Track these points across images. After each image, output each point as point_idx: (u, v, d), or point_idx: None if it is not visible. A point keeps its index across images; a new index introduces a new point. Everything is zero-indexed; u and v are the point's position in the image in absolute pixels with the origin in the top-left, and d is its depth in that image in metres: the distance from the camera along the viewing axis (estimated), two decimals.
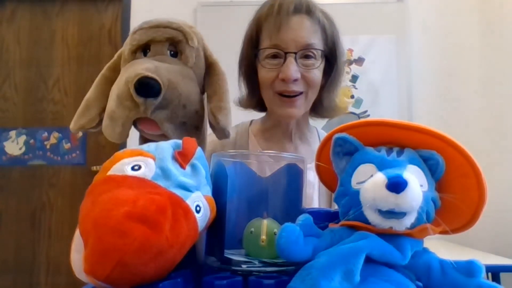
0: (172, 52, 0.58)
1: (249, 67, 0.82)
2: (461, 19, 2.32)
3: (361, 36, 2.30)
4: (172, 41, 0.58)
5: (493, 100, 2.20)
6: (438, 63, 2.30)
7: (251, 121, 0.92)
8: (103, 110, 0.60)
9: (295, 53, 0.74)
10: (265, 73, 0.77)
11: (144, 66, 0.52)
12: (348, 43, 2.29)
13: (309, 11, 0.76)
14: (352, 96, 2.29)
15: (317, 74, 0.77)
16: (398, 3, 2.32)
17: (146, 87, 0.50)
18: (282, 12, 0.75)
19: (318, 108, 0.85)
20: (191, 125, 0.58)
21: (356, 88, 2.29)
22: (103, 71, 0.63)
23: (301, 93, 0.76)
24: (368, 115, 2.29)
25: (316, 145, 0.87)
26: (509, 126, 2.10)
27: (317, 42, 0.76)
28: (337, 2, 2.27)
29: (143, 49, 0.58)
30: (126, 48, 0.58)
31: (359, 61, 2.30)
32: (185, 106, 0.55)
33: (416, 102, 2.25)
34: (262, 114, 0.90)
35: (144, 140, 0.64)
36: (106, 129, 0.56)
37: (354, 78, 2.29)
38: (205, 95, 0.64)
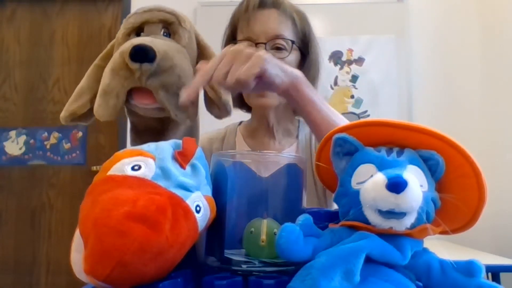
0: (165, 34, 0.60)
1: None
2: (461, 19, 2.32)
3: (361, 36, 2.30)
4: (165, 23, 0.60)
5: (493, 100, 2.20)
6: (438, 63, 2.30)
7: (241, 122, 0.95)
8: (95, 96, 0.60)
9: (265, 43, 0.76)
10: None
11: (139, 39, 0.54)
12: (348, 43, 2.29)
13: (276, 4, 0.79)
14: (352, 96, 2.29)
15: None
16: (398, 3, 2.32)
17: (141, 53, 0.51)
18: (250, 7, 0.78)
19: None
20: None
21: (356, 88, 2.29)
22: (95, 61, 0.64)
23: None
24: (368, 115, 2.29)
25: (295, 132, 0.90)
26: (509, 126, 2.10)
27: (287, 33, 0.79)
28: (337, 2, 2.27)
29: (137, 32, 0.60)
30: (120, 32, 0.60)
31: (359, 61, 2.30)
32: (180, 76, 0.56)
33: (416, 102, 2.25)
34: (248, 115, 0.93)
35: (135, 132, 0.64)
36: (99, 108, 0.56)
37: (354, 78, 2.29)
38: None
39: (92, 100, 0.60)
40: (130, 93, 0.55)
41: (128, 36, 0.59)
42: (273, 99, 0.79)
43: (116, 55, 0.54)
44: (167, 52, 0.54)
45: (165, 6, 0.60)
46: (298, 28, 0.81)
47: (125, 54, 0.51)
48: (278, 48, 0.78)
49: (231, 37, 0.84)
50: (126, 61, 0.51)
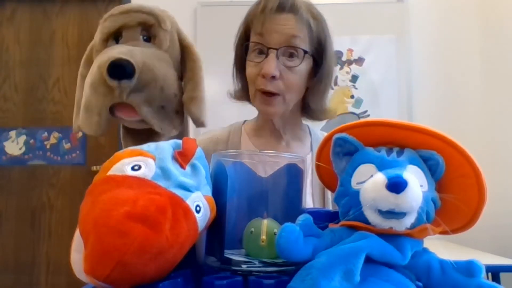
0: (145, 37, 0.56)
1: (240, 62, 0.84)
2: (461, 19, 2.32)
3: (361, 36, 2.29)
4: (144, 26, 0.56)
5: (493, 100, 2.20)
6: (438, 63, 2.30)
7: (245, 121, 0.93)
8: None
9: (277, 49, 0.74)
10: (249, 69, 0.78)
11: (117, 50, 0.51)
12: (348, 43, 2.29)
13: (294, 9, 0.76)
14: (352, 96, 2.29)
15: (296, 76, 0.76)
16: (398, 3, 2.32)
17: (119, 69, 0.48)
18: (267, 10, 0.76)
19: (307, 110, 0.85)
20: (171, 109, 0.55)
21: (356, 88, 2.29)
22: (80, 70, 0.61)
23: (278, 94, 0.75)
24: (368, 115, 2.29)
25: (307, 141, 0.88)
26: (509, 126, 2.10)
27: (301, 41, 0.76)
28: (337, 2, 2.27)
29: (115, 37, 0.56)
30: (96, 37, 0.56)
31: (359, 61, 2.30)
32: (162, 88, 0.54)
33: (416, 102, 2.25)
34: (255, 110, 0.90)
35: (126, 131, 0.63)
36: (84, 122, 0.54)
37: (354, 78, 2.29)
38: None
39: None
40: (114, 106, 0.52)
41: (105, 42, 0.55)
42: (278, 108, 0.77)
43: (94, 68, 0.51)
44: (147, 64, 0.51)
45: (143, 5, 0.55)
46: (313, 35, 0.78)
47: (102, 69, 0.48)
48: (290, 55, 0.75)
49: (244, 36, 0.81)
50: (104, 77, 0.49)
